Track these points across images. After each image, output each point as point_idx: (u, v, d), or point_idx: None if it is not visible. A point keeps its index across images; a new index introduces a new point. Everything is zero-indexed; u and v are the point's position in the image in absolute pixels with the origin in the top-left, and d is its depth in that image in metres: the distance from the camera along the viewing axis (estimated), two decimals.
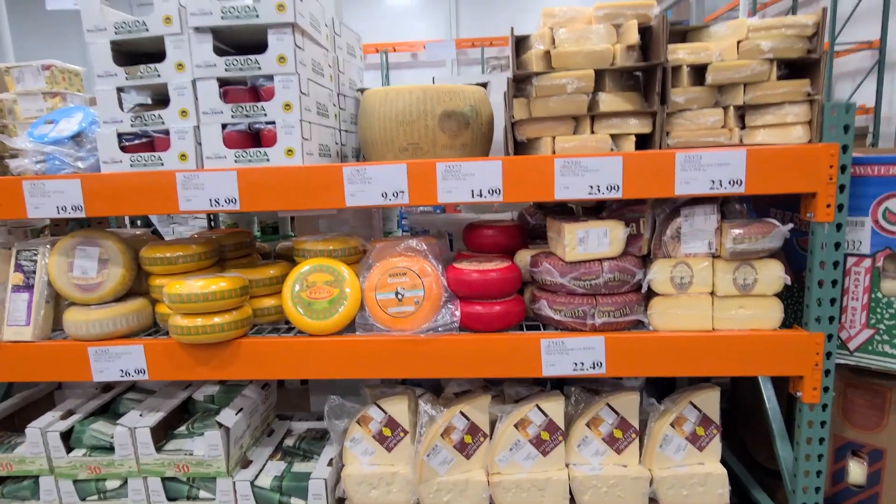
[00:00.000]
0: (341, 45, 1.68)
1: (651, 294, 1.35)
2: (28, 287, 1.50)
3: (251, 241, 1.79)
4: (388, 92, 1.42)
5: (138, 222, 3.41)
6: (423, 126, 1.40)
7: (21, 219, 1.56)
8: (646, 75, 1.30)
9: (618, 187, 1.25)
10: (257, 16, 1.27)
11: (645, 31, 1.25)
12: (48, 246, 1.53)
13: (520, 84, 1.31)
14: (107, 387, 1.82)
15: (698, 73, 1.26)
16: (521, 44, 1.34)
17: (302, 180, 1.32)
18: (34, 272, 1.51)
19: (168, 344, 1.43)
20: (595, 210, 1.56)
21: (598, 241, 1.31)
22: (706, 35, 1.29)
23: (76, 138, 1.41)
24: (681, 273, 1.31)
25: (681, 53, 1.23)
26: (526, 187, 1.27)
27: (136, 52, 1.45)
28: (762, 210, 1.54)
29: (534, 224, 1.70)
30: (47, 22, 10.35)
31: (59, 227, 2.07)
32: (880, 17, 5.92)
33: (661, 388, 1.67)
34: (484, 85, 1.70)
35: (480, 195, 1.29)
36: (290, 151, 1.33)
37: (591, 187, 1.25)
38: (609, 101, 1.26)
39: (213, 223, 2.54)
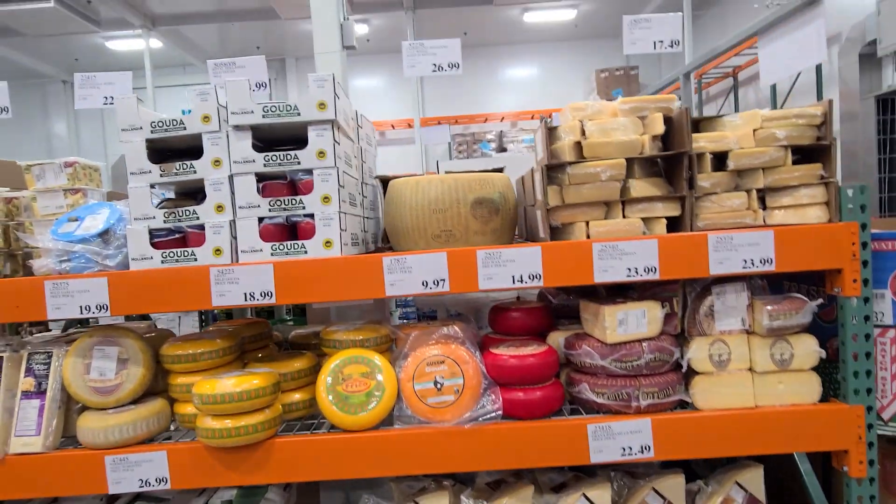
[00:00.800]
0: (362, 135, 1.73)
1: (690, 373, 1.36)
2: (40, 393, 1.41)
3: (269, 332, 1.75)
4: (420, 182, 1.46)
5: None
6: (455, 213, 1.42)
7: (40, 319, 1.49)
8: (668, 162, 1.38)
9: (654, 269, 1.28)
10: (298, 114, 1.31)
11: (666, 122, 1.34)
12: (64, 348, 1.46)
13: (551, 172, 1.37)
14: (112, 496, 1.69)
15: (719, 159, 1.34)
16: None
17: (341, 271, 1.32)
18: (47, 376, 1.43)
19: (193, 449, 1.35)
20: (619, 290, 1.60)
21: (638, 322, 1.33)
22: (720, 124, 1.38)
23: (103, 235, 1.38)
24: (718, 350, 1.33)
25: (702, 142, 1.31)
26: (566, 272, 1.30)
27: (166, 148, 1.46)
28: (776, 285, 1.60)
29: (556, 304, 1.72)
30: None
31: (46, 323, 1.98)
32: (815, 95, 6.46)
33: (695, 463, 1.65)
34: (500, 170, 1.76)
35: (521, 281, 1.30)
36: (328, 243, 1.34)
37: (630, 270, 1.29)
38: (640, 187, 1.32)
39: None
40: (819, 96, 6.43)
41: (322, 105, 1.31)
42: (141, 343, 1.46)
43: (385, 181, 1.81)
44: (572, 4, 8.75)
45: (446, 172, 1.64)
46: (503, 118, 10.03)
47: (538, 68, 10.32)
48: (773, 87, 6.79)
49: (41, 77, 10.41)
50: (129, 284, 1.34)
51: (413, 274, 1.32)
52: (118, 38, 9.30)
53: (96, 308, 1.35)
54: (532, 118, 9.98)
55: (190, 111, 1.36)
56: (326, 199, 1.33)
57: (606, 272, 1.29)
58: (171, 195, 1.59)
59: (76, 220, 1.42)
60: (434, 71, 1.42)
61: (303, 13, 8.36)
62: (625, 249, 1.28)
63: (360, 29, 9.09)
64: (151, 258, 1.35)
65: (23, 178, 1.51)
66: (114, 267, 1.36)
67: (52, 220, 1.47)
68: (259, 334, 1.70)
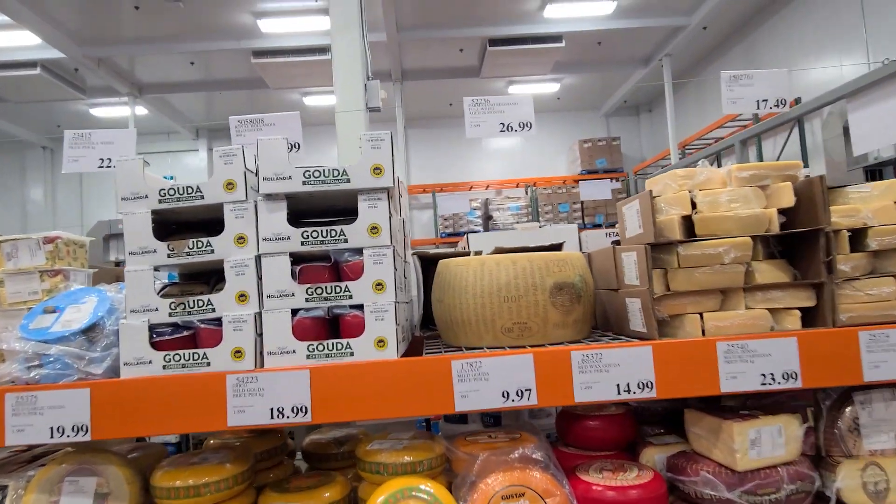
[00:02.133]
0: (402, 204, 1.48)
1: None
2: None
3: (284, 444, 1.42)
4: (486, 263, 1.20)
5: None
6: (532, 302, 1.16)
7: None
8: (791, 242, 1.15)
9: (795, 375, 1.03)
10: (348, 180, 1.06)
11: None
12: (25, 478, 1.11)
13: (654, 253, 1.13)
14: None
15: (852, 238, 1.12)
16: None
17: (398, 380, 1.03)
18: None
19: None
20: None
21: (773, 442, 1.06)
22: (841, 196, 1.17)
23: (88, 332, 1.07)
24: (874, 477, 1.06)
25: (834, 216, 1.10)
26: (685, 379, 1.03)
27: (171, 222, 1.18)
28: None
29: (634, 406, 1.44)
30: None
31: None
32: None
33: None
34: (559, 246, 1.52)
35: (628, 391, 1.03)
36: (381, 343, 1.05)
37: (764, 376, 1.03)
38: (765, 271, 1.08)
39: None
40: (805, 166, 6.52)
41: (378, 170, 1.06)
42: (126, 471, 1.13)
43: (425, 259, 1.55)
44: (555, 78, 8.96)
45: (496, 249, 1.39)
46: (488, 186, 10.02)
47: (522, 138, 10.44)
48: (760, 157, 6.88)
49: (20, 142, 10.10)
50: (119, 398, 1.03)
51: (491, 382, 1.03)
52: (102, 105, 9.15)
53: (73, 430, 1.02)
54: (517, 186, 9.99)
55: (173, 177, 1.09)
56: (380, 286, 1.06)
57: (735, 379, 1.03)
58: (173, 278, 1.30)
59: (53, 311, 1.11)
60: (502, 131, 1.19)
61: (291, 83, 8.37)
62: (756, 350, 1.03)
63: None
64: (150, 362, 1.05)
65: None
66: (100, 375, 1.05)
67: (21, 309, 1.16)
68: (273, 448, 1.37)
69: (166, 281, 1.21)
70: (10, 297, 1.18)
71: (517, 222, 9.14)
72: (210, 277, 1.20)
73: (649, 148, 10.33)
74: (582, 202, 9.11)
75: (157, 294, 1.13)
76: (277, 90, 8.55)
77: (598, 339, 1.27)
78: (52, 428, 1.02)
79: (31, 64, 7.29)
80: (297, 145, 1.20)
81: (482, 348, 1.20)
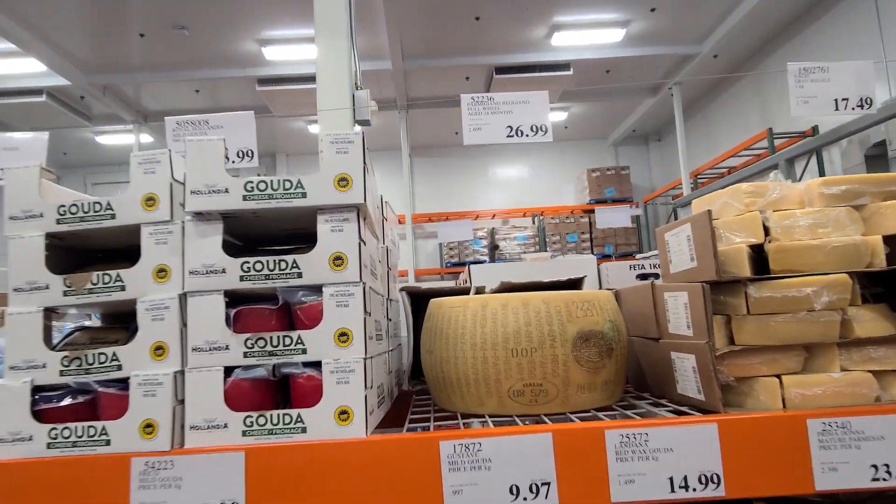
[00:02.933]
0: (387, 230, 1.21)
1: None
2: None
3: None
4: (489, 303, 0.92)
5: None
6: (549, 357, 0.88)
7: None
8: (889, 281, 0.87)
9: None
10: (304, 194, 0.79)
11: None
12: None
13: (715, 294, 0.85)
14: None
15: None
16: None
17: (365, 467, 0.74)
18: None
19: None
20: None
21: None
22: None
23: None
24: None
25: None
26: (763, 471, 0.74)
27: (84, 249, 0.92)
28: None
29: None
30: None
31: None
32: None
33: None
34: (579, 282, 1.24)
35: (686, 487, 0.74)
36: (344, 415, 0.77)
37: (876, 468, 0.73)
38: (868, 320, 0.80)
39: None
40: None
41: (344, 182, 0.80)
42: None
43: (415, 295, 1.27)
44: (563, 107, 8.81)
45: (502, 285, 1.12)
46: (494, 215, 9.79)
47: (529, 167, 10.25)
48: None
49: None
50: None
51: (494, 473, 0.75)
52: (108, 133, 9.08)
53: None
54: (524, 216, 9.75)
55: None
56: (345, 336, 0.78)
57: (835, 472, 0.73)
58: (90, 320, 1.03)
59: None
60: (510, 136, 0.93)
61: (296, 111, 8.25)
62: (863, 431, 0.74)
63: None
64: (30, 439, 0.77)
65: None
66: None
67: None
68: None
69: (74, 325, 0.94)
70: None
71: (524, 252, 8.87)
72: (133, 320, 0.93)
73: (659, 177, 10.10)
74: (591, 231, 8.85)
75: (57, 344, 0.86)
76: (283, 118, 8.44)
77: (634, 405, 0.98)
78: None
79: (38, 91, 7.21)
80: (249, 153, 0.94)
81: (483, 417, 0.92)
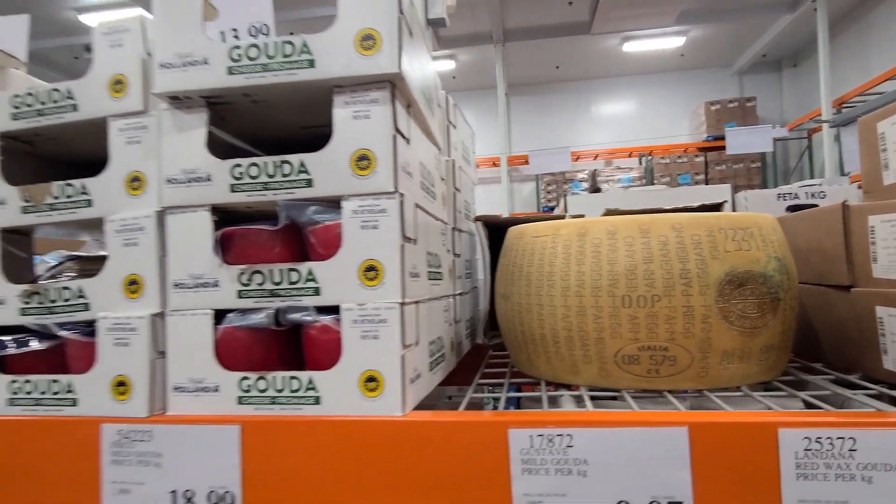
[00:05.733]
0: (456, 141, 0.94)
1: None
2: None
3: None
4: (588, 229, 0.63)
5: None
6: (680, 309, 0.59)
7: None
8: None
9: None
10: (311, 62, 0.54)
11: None
12: None
13: None
14: None
15: None
16: None
17: (400, 458, 0.51)
18: None
19: None
20: None
21: None
22: None
23: None
24: None
25: None
26: None
27: (52, 161, 0.73)
28: None
29: None
30: None
31: None
32: None
33: None
34: (718, 206, 0.89)
35: None
36: (372, 383, 0.53)
37: None
38: None
39: None
40: None
41: (370, 40, 0.53)
42: None
43: (492, 225, 1.00)
44: (680, 31, 7.83)
45: (606, 211, 0.81)
46: (597, 156, 9.12)
47: (636, 102, 9.39)
48: None
49: None
50: None
51: (591, 481, 0.48)
52: (94, 11, 8.45)
53: None
54: (629, 156, 9.00)
55: None
56: (372, 271, 0.54)
57: None
58: (82, 250, 0.86)
59: None
60: None
61: None
62: None
63: (447, 65, 8.62)
64: None
65: None
66: None
67: None
68: None
69: (66, 255, 0.77)
70: None
71: (624, 188, 8.23)
72: None
73: (792, 108, 8.84)
74: (706, 171, 7.99)
75: (43, 275, 0.69)
76: None
77: (806, 382, 0.66)
78: None
79: None
80: (264, 29, 0.70)
81: (577, 389, 0.65)
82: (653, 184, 8.21)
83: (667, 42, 8.12)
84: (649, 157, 8.51)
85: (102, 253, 0.83)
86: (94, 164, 0.74)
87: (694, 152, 8.24)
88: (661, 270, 0.59)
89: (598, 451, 0.49)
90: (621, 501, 0.48)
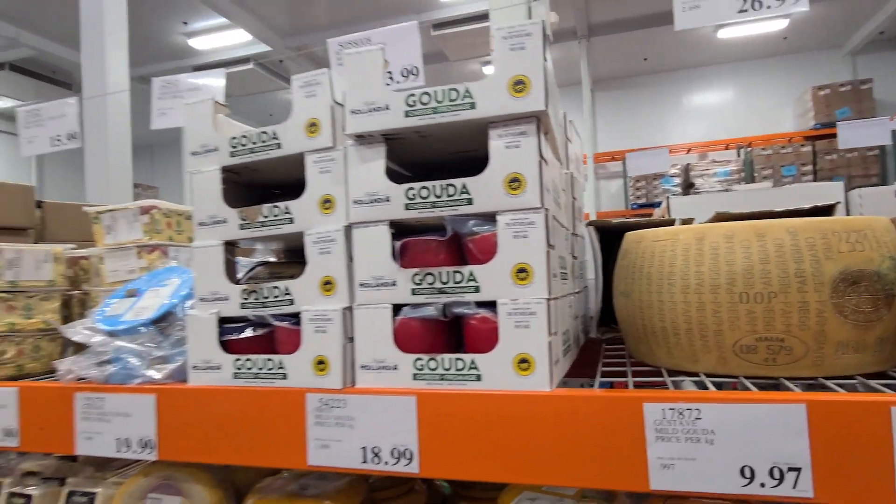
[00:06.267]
0: (572, 153, 1.04)
1: None
2: None
3: None
4: (708, 235, 0.72)
5: None
6: (795, 304, 0.66)
7: (66, 453, 1.01)
8: None
9: None
10: (472, 105, 0.66)
11: None
12: (114, 487, 0.95)
13: None
14: None
15: None
16: None
17: (549, 427, 0.62)
18: None
19: None
20: None
21: None
22: None
23: (161, 323, 0.85)
24: None
25: None
26: None
27: (260, 184, 0.91)
28: None
29: None
30: None
31: None
32: None
33: None
34: (830, 209, 0.94)
35: None
36: (524, 364, 0.65)
37: None
38: None
39: None
40: None
41: (520, 85, 0.65)
42: (215, 494, 0.90)
43: (606, 231, 1.09)
44: (784, 13, 7.37)
45: (716, 215, 0.89)
46: (689, 150, 8.77)
47: (733, 91, 8.94)
48: None
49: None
50: (186, 412, 0.79)
51: (717, 449, 0.57)
52: None
53: (139, 446, 0.81)
54: (726, 148, 8.58)
55: None
56: (523, 273, 0.66)
57: None
58: (272, 256, 1.05)
59: (135, 294, 0.92)
60: (742, 11, 0.69)
61: (471, 53, 8.16)
62: None
63: None
64: (219, 368, 0.79)
65: (92, 229, 1.06)
66: (161, 378, 0.82)
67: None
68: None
69: (257, 261, 0.95)
70: (110, 276, 1.03)
71: (726, 190, 7.86)
72: None
73: None
74: (814, 162, 7.47)
75: (242, 278, 0.87)
76: (457, 62, 8.42)
77: None
78: (118, 440, 0.82)
79: (245, 60, 8.15)
80: (414, 70, 0.84)
81: (696, 376, 0.73)
82: (753, 177, 7.79)
83: (769, 25, 7.68)
84: (748, 149, 8.08)
85: (283, 260, 1.01)
86: (282, 187, 0.91)
87: (800, 142, 7.73)
88: (777, 270, 0.67)
89: (724, 423, 0.58)
90: (745, 466, 0.57)
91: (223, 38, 7.63)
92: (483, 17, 7.02)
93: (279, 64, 8.77)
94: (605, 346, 1.06)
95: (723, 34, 7.78)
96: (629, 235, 0.85)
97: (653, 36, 7.80)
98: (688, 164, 8.40)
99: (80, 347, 1.11)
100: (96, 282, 1.08)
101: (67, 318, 1.08)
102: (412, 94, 0.68)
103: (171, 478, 0.92)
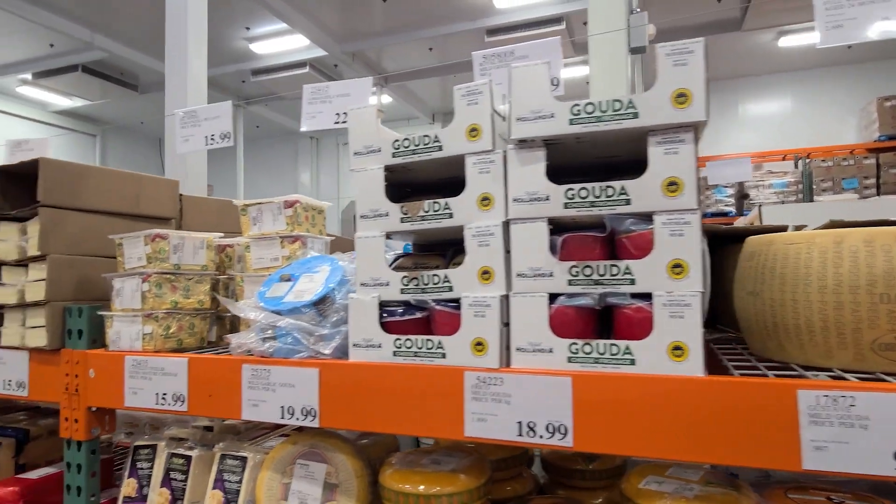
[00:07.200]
0: None
1: None
2: None
3: (525, 453, 1.18)
4: (845, 238, 0.77)
5: None
6: None
7: (233, 418, 1.12)
8: None
9: None
10: (635, 114, 0.73)
11: None
12: (262, 454, 1.06)
13: None
14: None
15: None
16: None
17: (703, 410, 0.69)
18: (238, 491, 1.04)
19: None
20: None
21: None
22: None
23: (319, 305, 0.95)
24: None
25: None
26: None
27: (404, 183, 1.00)
28: None
29: None
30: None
31: None
32: None
33: None
34: None
35: None
36: (678, 351, 0.72)
37: None
38: None
39: None
40: None
41: (682, 98, 0.71)
42: (356, 462, 1.00)
43: (716, 236, 1.14)
44: None
45: (830, 222, 0.93)
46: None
47: (792, 100, 8.74)
48: None
49: (293, 133, 11.90)
50: (347, 384, 0.88)
51: (872, 434, 0.63)
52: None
53: (302, 413, 0.91)
54: (783, 159, 8.38)
55: None
56: (678, 268, 0.72)
57: None
58: (408, 249, 1.14)
59: (289, 279, 1.02)
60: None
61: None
62: None
63: (581, 71, 8.63)
64: (380, 346, 0.88)
65: (239, 220, 1.18)
66: (329, 354, 0.91)
67: (264, 276, 1.11)
68: (513, 457, 1.14)
69: (400, 251, 1.04)
70: (255, 263, 1.13)
71: (781, 202, 7.68)
72: (447, 249, 1.00)
73: None
74: (878, 175, 7.23)
75: (389, 266, 0.96)
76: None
77: None
78: (282, 407, 0.92)
79: (302, 64, 8.41)
80: (555, 82, 0.91)
81: (830, 370, 0.78)
82: (811, 189, 7.59)
83: (701, 39, 7.48)
84: (807, 160, 7.88)
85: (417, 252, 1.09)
86: (430, 185, 1.00)
87: (863, 154, 7.49)
88: None
89: (879, 410, 0.63)
90: None
91: (282, 42, 7.90)
92: (536, 23, 7.09)
93: (334, 68, 9.01)
94: (716, 345, 1.11)
95: (784, 42, 7.63)
96: (758, 239, 0.91)
97: (710, 44, 7.69)
98: None
99: (223, 327, 1.23)
100: (238, 267, 1.20)
101: (214, 300, 1.20)
102: (576, 104, 0.76)
103: (317, 446, 1.02)
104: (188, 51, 3.74)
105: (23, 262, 1.13)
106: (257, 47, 7.99)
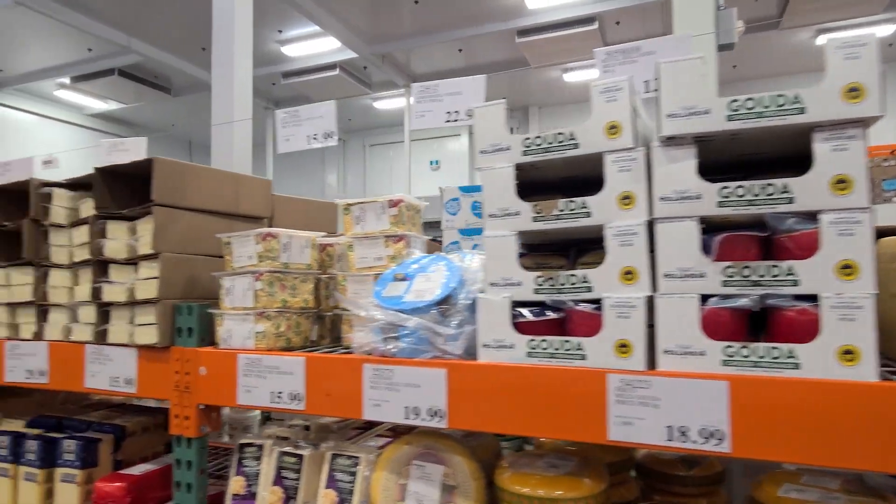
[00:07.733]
0: None
1: None
2: None
3: (632, 457, 1.16)
4: None
5: None
6: None
7: (353, 417, 1.12)
8: None
9: None
10: (802, 110, 0.71)
11: None
12: (375, 453, 1.05)
13: None
14: None
15: None
16: None
17: (876, 417, 0.66)
18: (351, 491, 1.03)
19: None
20: None
21: None
22: None
23: (441, 306, 0.94)
24: None
25: None
26: None
27: (529, 183, 0.99)
28: None
29: None
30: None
31: None
32: None
33: None
34: None
35: None
36: (849, 355, 0.69)
37: None
38: None
39: None
40: None
41: (854, 92, 0.69)
42: (472, 464, 0.99)
43: None
44: (890, 18, 7.02)
45: None
46: None
47: None
48: None
49: None
50: (477, 385, 0.87)
51: None
52: (384, 98, 10.23)
53: (428, 414, 0.90)
54: None
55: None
56: (848, 269, 0.70)
57: None
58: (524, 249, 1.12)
59: (404, 279, 1.01)
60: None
61: (551, 59, 8.17)
62: None
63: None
64: (512, 346, 0.86)
65: (335, 221, 1.17)
66: (455, 355, 0.90)
67: (367, 275, 1.10)
68: (621, 462, 1.12)
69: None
70: (358, 262, 1.13)
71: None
72: (569, 249, 0.98)
73: None
74: None
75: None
76: (536, 69, 8.45)
77: None
78: (406, 408, 0.91)
79: (332, 66, 8.45)
80: (652, 84, 0.89)
81: None
82: None
83: (872, 30, 7.31)
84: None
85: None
86: (551, 184, 0.99)
87: None
88: None
89: None
90: None
91: (313, 45, 7.95)
92: (569, 23, 7.04)
93: (363, 70, 9.05)
94: None
95: (822, 40, 7.47)
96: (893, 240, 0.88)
97: (746, 42, 7.57)
98: None
99: (323, 326, 1.23)
100: (339, 266, 1.19)
101: (316, 299, 1.20)
102: (735, 100, 0.74)
103: (433, 447, 1.01)
104: (234, 57, 3.78)
105: (132, 261, 1.14)
106: (288, 50, 8.06)
